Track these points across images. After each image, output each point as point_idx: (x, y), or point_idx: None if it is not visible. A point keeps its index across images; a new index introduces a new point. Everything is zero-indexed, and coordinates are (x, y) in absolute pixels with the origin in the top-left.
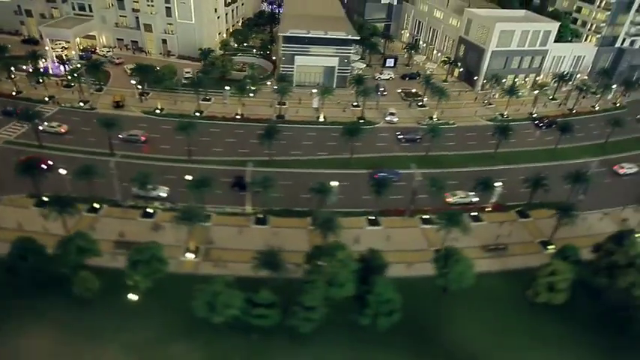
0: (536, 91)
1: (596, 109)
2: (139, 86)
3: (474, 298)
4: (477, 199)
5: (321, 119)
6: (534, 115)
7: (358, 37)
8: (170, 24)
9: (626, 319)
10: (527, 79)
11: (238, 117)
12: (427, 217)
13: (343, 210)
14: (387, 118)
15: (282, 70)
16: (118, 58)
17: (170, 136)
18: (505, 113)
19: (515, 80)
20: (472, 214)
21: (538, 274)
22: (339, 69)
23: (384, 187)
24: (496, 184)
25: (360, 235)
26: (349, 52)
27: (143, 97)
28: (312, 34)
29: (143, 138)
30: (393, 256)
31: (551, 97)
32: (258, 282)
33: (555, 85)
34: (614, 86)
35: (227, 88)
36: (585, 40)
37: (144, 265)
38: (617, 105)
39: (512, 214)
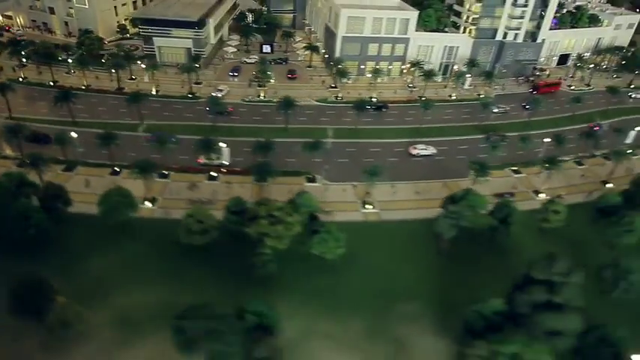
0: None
1: (452, 97)
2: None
3: None
4: (227, 162)
5: (154, 92)
6: (373, 99)
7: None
8: (70, 8)
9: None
10: (391, 67)
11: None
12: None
13: None
14: (213, 94)
15: (145, 50)
16: (20, 36)
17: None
18: (340, 96)
19: (377, 67)
20: (212, 173)
21: None
22: (194, 50)
23: (164, 143)
24: (222, 145)
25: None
26: (201, 35)
27: (17, 68)
28: (162, 17)
29: None
30: None
31: (410, 85)
32: None
33: (414, 71)
34: (468, 76)
35: (70, 61)
36: (464, 32)
37: None
38: (482, 95)
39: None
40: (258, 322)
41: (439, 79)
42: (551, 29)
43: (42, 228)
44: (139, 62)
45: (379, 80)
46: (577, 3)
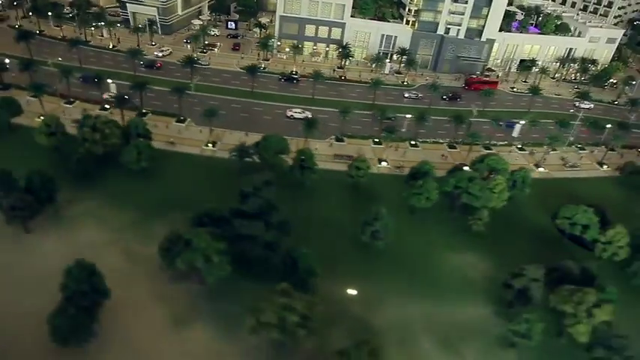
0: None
1: (369, 79)
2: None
3: None
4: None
5: (110, 46)
6: (293, 74)
7: None
8: None
9: None
10: (328, 48)
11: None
12: None
13: None
14: (155, 53)
15: (122, 15)
16: None
17: None
18: (264, 67)
19: (314, 47)
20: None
21: None
22: (160, 18)
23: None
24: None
25: None
26: (166, 6)
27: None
28: None
29: None
30: None
31: (339, 66)
32: None
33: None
34: (388, 61)
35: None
36: (407, 24)
37: None
38: (405, 82)
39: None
40: None
41: (373, 64)
42: (509, 32)
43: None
44: (101, 22)
45: (314, 60)
46: (548, 9)
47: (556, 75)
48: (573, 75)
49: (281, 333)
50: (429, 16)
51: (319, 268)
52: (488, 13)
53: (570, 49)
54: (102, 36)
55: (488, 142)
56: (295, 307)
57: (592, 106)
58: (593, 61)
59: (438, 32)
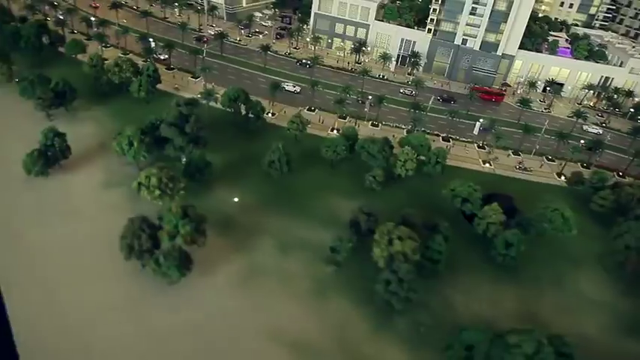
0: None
1: (381, 75)
2: None
3: None
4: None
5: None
6: (307, 60)
7: None
8: None
9: None
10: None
11: None
12: None
13: None
14: (209, 31)
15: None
16: None
17: None
18: (289, 52)
19: (342, 43)
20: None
21: None
22: (226, 7)
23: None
24: (151, 41)
25: None
26: None
27: None
28: None
29: None
30: None
31: (357, 61)
32: None
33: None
34: (393, 59)
35: None
36: (429, 32)
37: None
38: (409, 82)
39: None
40: None
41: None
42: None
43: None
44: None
45: (338, 53)
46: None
47: (584, 102)
48: (594, 103)
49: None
50: (449, 26)
51: (215, 176)
52: (505, 28)
53: (607, 77)
54: (179, 15)
55: (446, 134)
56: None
57: (601, 132)
58: (630, 93)
59: (455, 42)
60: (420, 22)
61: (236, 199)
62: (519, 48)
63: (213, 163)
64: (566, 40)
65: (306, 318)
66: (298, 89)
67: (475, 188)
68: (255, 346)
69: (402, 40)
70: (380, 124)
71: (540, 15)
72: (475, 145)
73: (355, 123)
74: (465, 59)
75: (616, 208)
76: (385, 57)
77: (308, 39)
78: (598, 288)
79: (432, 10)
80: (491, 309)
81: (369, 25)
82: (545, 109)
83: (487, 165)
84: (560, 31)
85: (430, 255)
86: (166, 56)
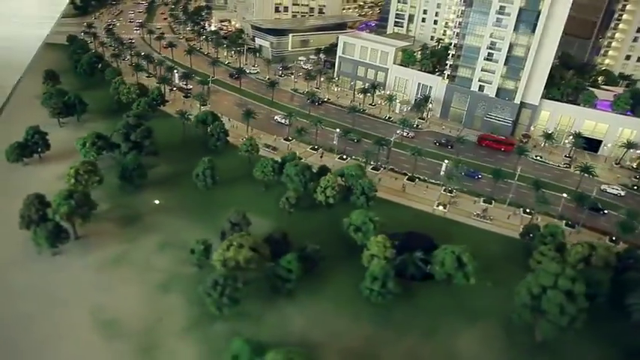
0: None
1: (384, 116)
2: None
3: None
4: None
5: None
6: (326, 99)
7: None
8: None
9: None
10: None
11: None
12: None
13: None
14: (252, 69)
15: (247, 45)
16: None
17: None
18: (308, 91)
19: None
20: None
21: None
22: (271, 49)
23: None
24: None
25: None
26: (275, 42)
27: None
28: (259, 24)
29: None
30: None
31: (370, 103)
32: None
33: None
34: (398, 101)
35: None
36: (445, 77)
37: None
38: (416, 124)
39: None
40: None
41: (406, 107)
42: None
43: None
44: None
45: (358, 95)
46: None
47: (621, 160)
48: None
49: None
50: (466, 72)
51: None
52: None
53: None
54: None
55: (411, 173)
56: None
57: (622, 193)
58: None
59: (472, 88)
60: (440, 68)
61: (157, 202)
62: (549, 98)
63: (162, 171)
64: (615, 95)
65: (135, 304)
66: (287, 121)
67: (372, 219)
68: (72, 316)
69: (419, 84)
70: (349, 158)
71: (602, 69)
72: (442, 187)
73: (322, 154)
74: (481, 106)
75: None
76: (390, 99)
77: (332, 80)
78: (479, 350)
79: (450, 55)
80: (326, 338)
81: (387, 68)
82: (566, 165)
83: (440, 207)
84: (618, 85)
85: (280, 272)
86: (190, 86)
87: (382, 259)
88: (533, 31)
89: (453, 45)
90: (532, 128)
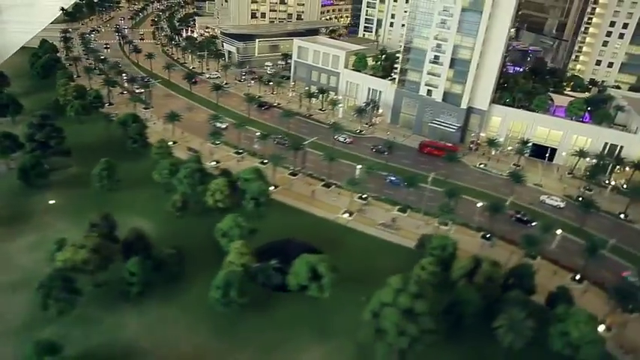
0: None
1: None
2: None
3: None
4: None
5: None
6: (276, 103)
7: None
8: None
9: None
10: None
11: None
12: None
13: None
14: (212, 74)
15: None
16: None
17: None
18: (257, 95)
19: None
20: None
21: None
22: (237, 54)
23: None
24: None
25: None
26: (241, 47)
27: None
28: (227, 30)
29: None
30: None
31: (320, 108)
32: None
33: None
34: (340, 105)
35: None
36: (395, 81)
37: None
38: (359, 130)
39: None
40: None
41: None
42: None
43: None
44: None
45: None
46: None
47: (574, 169)
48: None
49: None
50: (415, 76)
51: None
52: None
53: (612, 145)
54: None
55: (325, 179)
56: None
57: (562, 205)
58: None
59: (420, 93)
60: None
61: (52, 202)
62: (502, 104)
63: (73, 172)
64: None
65: None
66: (227, 125)
67: (239, 224)
68: None
69: (369, 89)
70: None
71: (574, 74)
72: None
73: (242, 158)
74: (429, 112)
75: (440, 283)
76: (334, 103)
77: (282, 84)
78: None
79: (398, 58)
80: (154, 346)
81: (339, 73)
82: (510, 173)
83: (345, 215)
84: (587, 91)
85: (125, 276)
86: (141, 90)
87: (239, 266)
88: (477, 32)
89: (401, 48)
90: (482, 135)
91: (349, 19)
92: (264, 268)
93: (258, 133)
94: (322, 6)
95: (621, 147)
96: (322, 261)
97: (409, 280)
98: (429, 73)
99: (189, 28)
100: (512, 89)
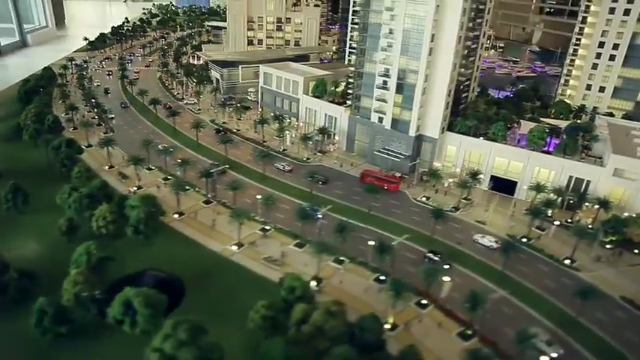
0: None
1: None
2: None
3: None
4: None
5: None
6: (235, 130)
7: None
8: None
9: None
10: (289, 120)
11: None
12: None
13: None
14: (191, 101)
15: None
16: None
17: None
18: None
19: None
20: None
21: None
22: (222, 80)
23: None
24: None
25: None
26: (225, 73)
27: None
28: (213, 58)
29: None
30: None
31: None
32: None
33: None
34: (288, 132)
35: None
36: (348, 107)
37: None
38: (305, 157)
39: None
40: None
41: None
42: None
43: None
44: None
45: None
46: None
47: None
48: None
49: None
50: (367, 102)
51: None
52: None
53: (577, 178)
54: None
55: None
56: None
57: (496, 246)
58: (605, 204)
59: (371, 119)
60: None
61: None
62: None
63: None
64: (559, 128)
65: None
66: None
67: (90, 252)
68: None
69: (326, 115)
70: (191, 189)
71: (558, 100)
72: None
73: (166, 184)
74: (379, 139)
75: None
76: (281, 130)
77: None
78: None
79: (351, 84)
80: None
81: (299, 99)
82: (453, 208)
83: (234, 247)
84: (576, 118)
85: None
86: (112, 115)
87: (70, 295)
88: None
89: (354, 73)
90: (438, 165)
91: (338, 44)
92: (84, 298)
93: (179, 160)
94: (320, 32)
95: (588, 182)
96: (138, 296)
97: (179, 326)
98: (377, 99)
99: (195, 56)
100: (470, 116)
